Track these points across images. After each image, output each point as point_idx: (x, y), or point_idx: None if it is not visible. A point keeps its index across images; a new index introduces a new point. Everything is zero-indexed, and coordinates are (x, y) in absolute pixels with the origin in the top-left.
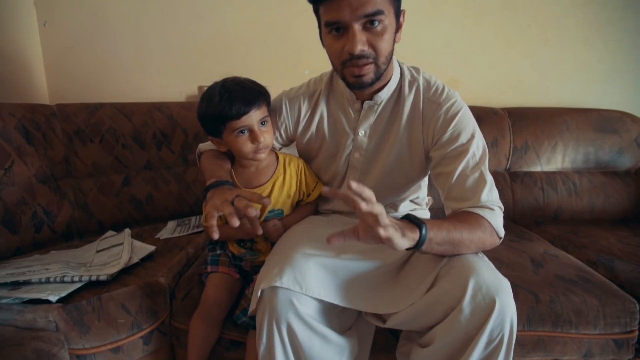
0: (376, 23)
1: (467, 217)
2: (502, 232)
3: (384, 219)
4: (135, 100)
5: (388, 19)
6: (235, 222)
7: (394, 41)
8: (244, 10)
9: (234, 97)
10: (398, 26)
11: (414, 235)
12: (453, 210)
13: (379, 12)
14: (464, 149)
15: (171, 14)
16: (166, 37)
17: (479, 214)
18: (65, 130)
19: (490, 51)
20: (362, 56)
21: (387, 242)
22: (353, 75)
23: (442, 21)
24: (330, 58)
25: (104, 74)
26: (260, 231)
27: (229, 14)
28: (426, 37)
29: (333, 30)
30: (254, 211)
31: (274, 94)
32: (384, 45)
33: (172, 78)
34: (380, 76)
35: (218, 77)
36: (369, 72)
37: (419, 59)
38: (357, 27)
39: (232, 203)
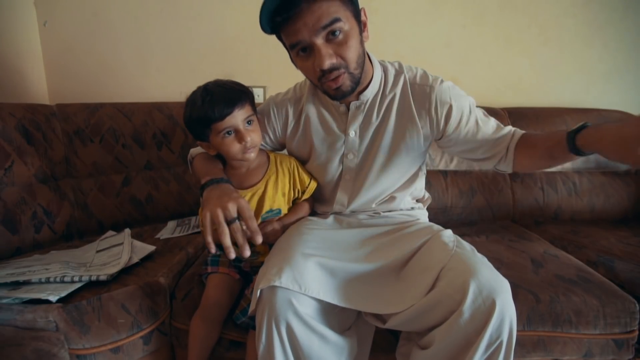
0: (337, 32)
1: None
2: None
3: None
4: (135, 100)
5: (348, 24)
6: (232, 255)
7: (362, 42)
8: (244, 10)
9: (216, 99)
10: (362, 26)
11: None
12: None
13: (336, 20)
14: (471, 117)
15: (171, 14)
16: (166, 37)
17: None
18: (65, 130)
19: (490, 51)
20: (333, 69)
21: None
22: (332, 89)
23: (442, 21)
24: (306, 77)
25: (104, 74)
26: (259, 240)
27: (229, 14)
28: (426, 37)
29: (300, 51)
30: (248, 252)
31: (273, 93)
32: (351, 52)
33: (172, 78)
34: (358, 81)
35: (218, 77)
36: (344, 81)
37: (419, 59)
38: (319, 42)
39: (229, 224)
